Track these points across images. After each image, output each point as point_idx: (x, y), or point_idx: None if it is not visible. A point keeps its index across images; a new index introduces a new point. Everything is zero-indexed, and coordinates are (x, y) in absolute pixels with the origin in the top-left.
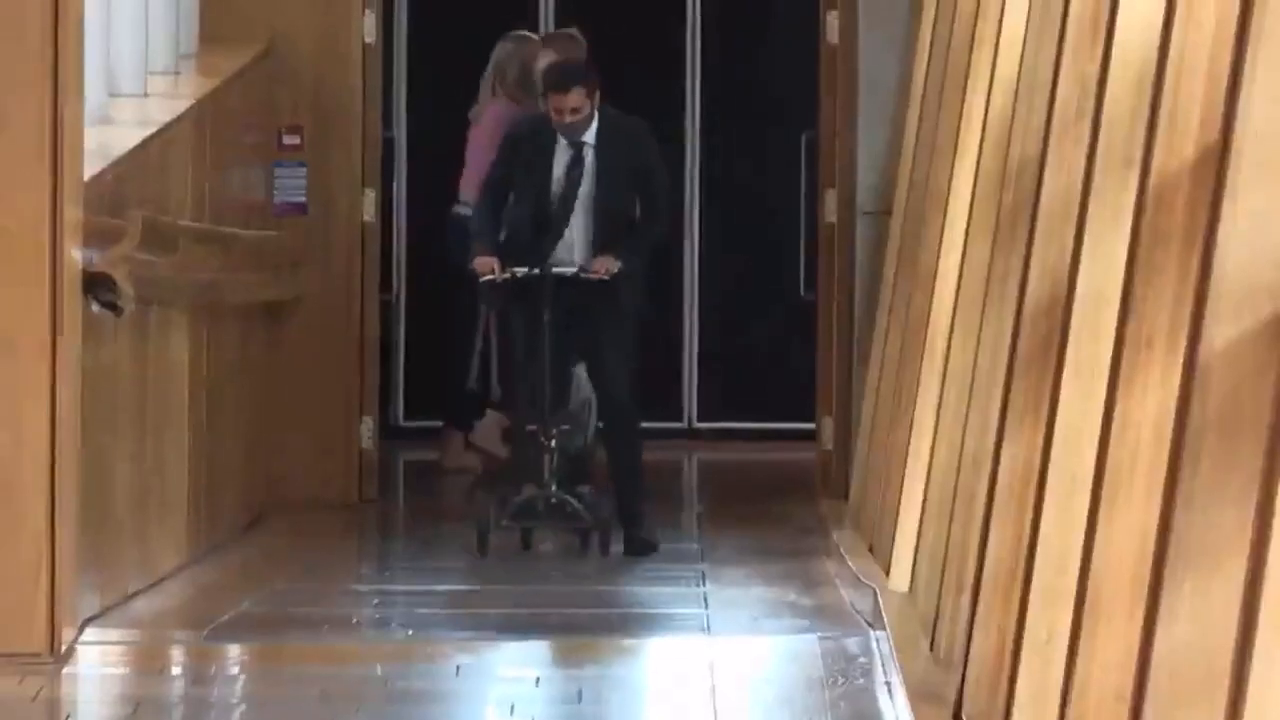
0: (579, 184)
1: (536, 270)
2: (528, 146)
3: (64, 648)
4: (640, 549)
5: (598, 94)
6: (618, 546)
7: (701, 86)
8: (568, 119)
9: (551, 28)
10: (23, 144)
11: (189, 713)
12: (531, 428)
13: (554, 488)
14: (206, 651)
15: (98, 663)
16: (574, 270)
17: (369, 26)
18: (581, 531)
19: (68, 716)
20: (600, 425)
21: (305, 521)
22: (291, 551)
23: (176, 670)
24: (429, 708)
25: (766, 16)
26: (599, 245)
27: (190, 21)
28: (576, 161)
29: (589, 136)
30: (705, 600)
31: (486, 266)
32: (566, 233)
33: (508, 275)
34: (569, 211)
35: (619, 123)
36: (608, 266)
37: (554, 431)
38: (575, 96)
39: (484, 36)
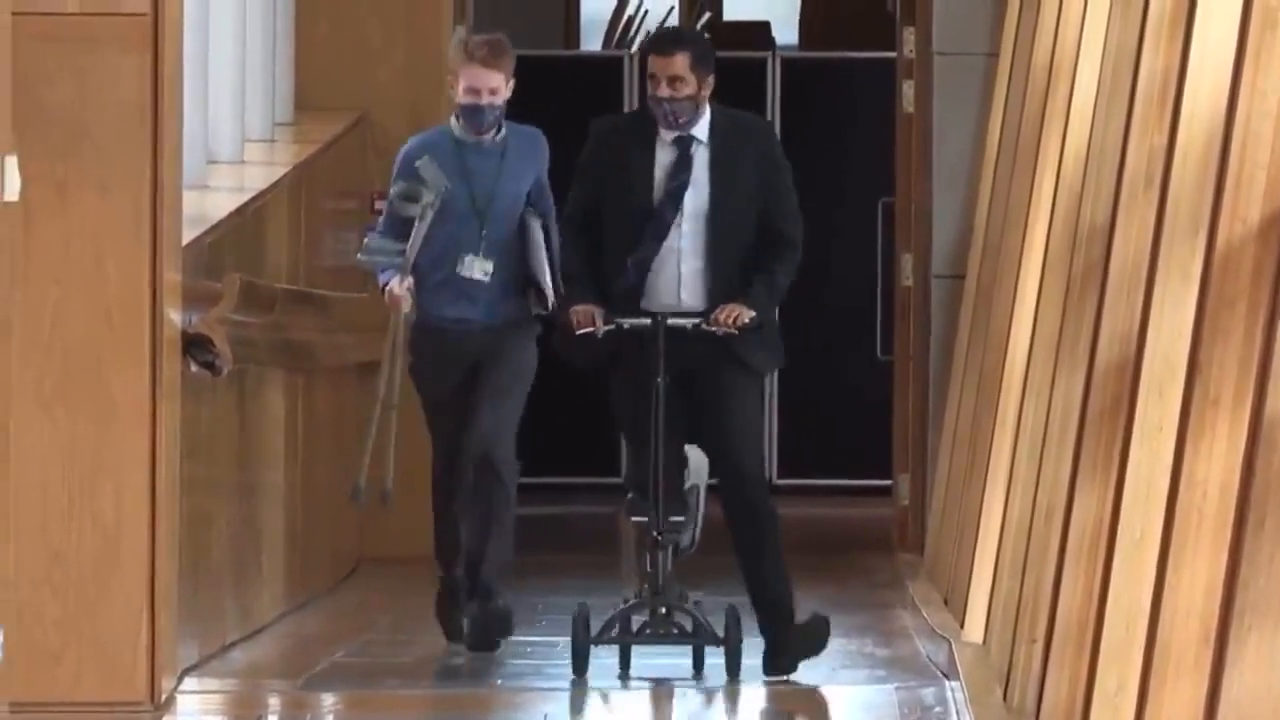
0: (684, 189)
1: (647, 321)
2: (618, 148)
3: (163, 697)
4: (790, 665)
5: (710, 80)
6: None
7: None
8: (665, 91)
9: (635, 102)
10: (123, 209)
11: None
12: (640, 519)
13: (665, 594)
14: (302, 700)
15: (196, 711)
16: (693, 322)
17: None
18: (698, 649)
19: None
20: (727, 514)
21: (398, 574)
22: (385, 603)
23: (273, 718)
24: None
25: (845, 86)
26: (715, 278)
27: (286, 91)
28: (683, 162)
29: (699, 131)
30: None
31: (586, 317)
32: (668, 259)
33: (611, 327)
34: (666, 225)
35: (736, 119)
36: (737, 316)
37: (667, 525)
38: (679, 62)
39: (570, 105)
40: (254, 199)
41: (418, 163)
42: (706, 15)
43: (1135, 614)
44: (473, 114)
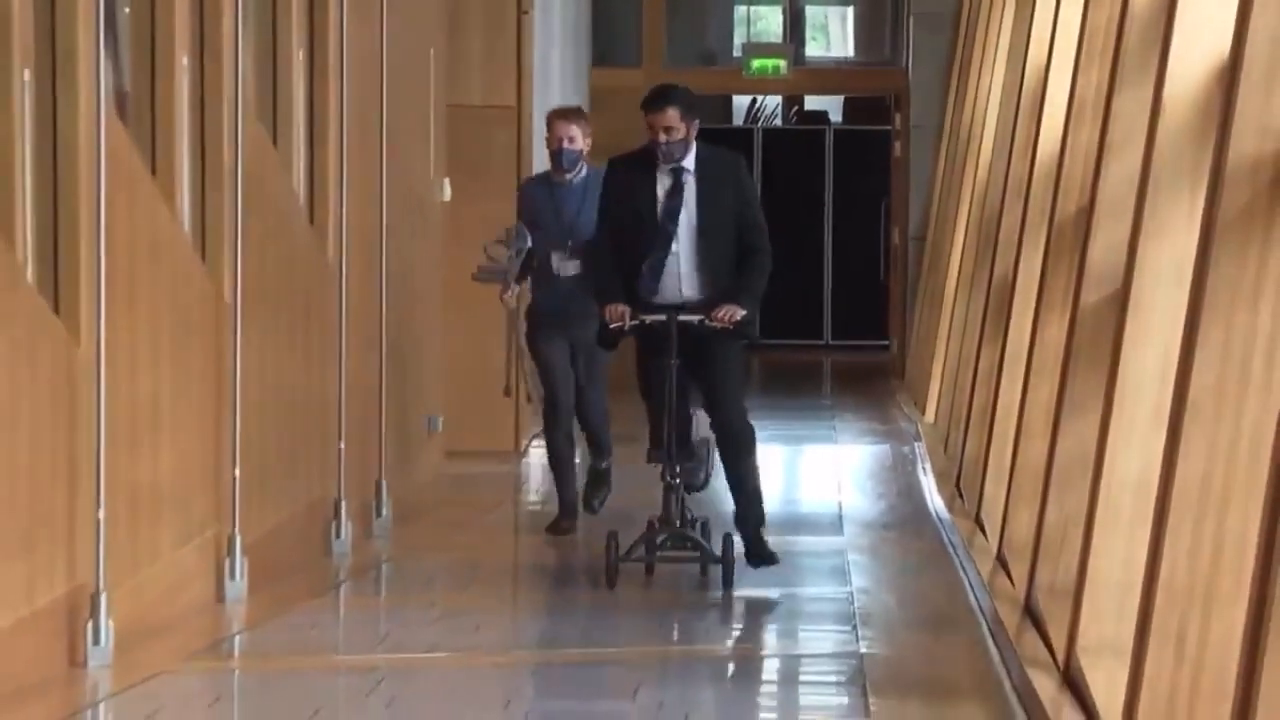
0: (680, 209)
1: (663, 318)
2: (627, 178)
3: (522, 448)
4: (759, 561)
5: (696, 124)
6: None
7: (835, 183)
8: (662, 137)
9: (761, 158)
10: (503, 206)
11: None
12: (656, 465)
13: (677, 524)
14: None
15: (537, 457)
16: (699, 319)
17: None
18: (703, 563)
19: (524, 483)
20: (719, 448)
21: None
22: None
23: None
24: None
25: (867, 144)
26: (706, 275)
27: None
28: (676, 188)
29: (688, 163)
30: (834, 428)
31: (617, 314)
32: (671, 262)
33: (637, 322)
34: (669, 236)
35: (716, 153)
36: (732, 315)
37: (677, 470)
38: (670, 115)
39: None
40: None
41: (512, 226)
42: (796, 107)
43: (1011, 408)
44: (555, 155)
